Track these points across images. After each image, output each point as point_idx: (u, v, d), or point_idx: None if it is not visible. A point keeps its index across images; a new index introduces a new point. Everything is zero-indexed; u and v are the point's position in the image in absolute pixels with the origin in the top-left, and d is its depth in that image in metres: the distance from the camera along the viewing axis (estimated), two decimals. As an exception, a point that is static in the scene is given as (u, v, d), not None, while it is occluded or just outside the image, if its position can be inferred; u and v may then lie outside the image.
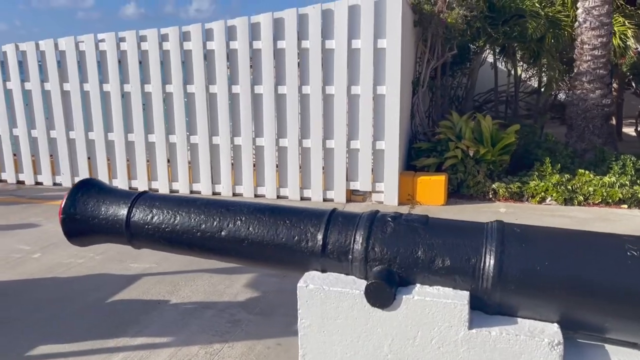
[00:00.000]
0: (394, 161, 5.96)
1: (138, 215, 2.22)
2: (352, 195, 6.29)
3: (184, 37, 6.25)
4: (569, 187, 5.94)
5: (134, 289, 3.80)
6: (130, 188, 6.72)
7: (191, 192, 6.56)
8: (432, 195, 6.02)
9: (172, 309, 3.49)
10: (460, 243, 1.88)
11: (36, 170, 7.06)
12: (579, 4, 7.27)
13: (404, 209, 5.71)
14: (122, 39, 6.41)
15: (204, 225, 2.15)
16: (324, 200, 6.19)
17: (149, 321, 3.31)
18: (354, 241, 1.97)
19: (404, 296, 1.84)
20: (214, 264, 4.09)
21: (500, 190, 6.07)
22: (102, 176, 6.79)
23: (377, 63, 5.80)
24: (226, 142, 6.35)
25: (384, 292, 1.84)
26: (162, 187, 6.62)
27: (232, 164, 6.48)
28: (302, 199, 6.25)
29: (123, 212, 2.23)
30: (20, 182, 7.13)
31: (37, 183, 7.07)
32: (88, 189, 2.34)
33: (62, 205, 2.29)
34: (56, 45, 6.58)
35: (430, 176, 6.12)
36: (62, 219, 2.31)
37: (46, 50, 6.61)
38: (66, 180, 6.92)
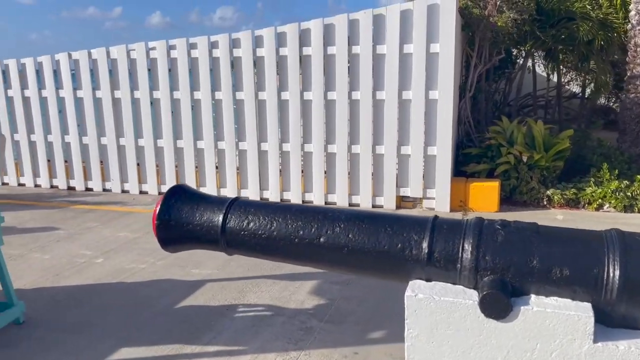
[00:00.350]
0: (446, 167, 5.88)
1: (234, 221, 2.21)
2: (402, 201, 6.23)
3: (233, 44, 6.30)
4: (629, 193, 5.76)
5: (200, 294, 3.81)
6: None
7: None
8: (485, 201, 5.91)
9: (241, 315, 3.48)
10: (580, 252, 1.82)
11: (87, 176, 7.19)
12: (631, 6, 7.08)
13: (457, 215, 5.62)
14: (172, 47, 6.49)
15: (301, 232, 2.13)
16: (373, 206, 6.15)
17: (221, 327, 3.30)
18: (463, 249, 1.92)
19: (521, 307, 1.79)
20: (276, 270, 4.09)
21: (555, 197, 5.92)
22: (151, 182, 6.89)
23: (430, 68, 5.74)
24: (275, 149, 6.36)
25: (500, 303, 1.79)
26: (210, 192, 6.66)
27: (280, 171, 6.48)
28: (350, 205, 6.22)
29: (218, 218, 2.22)
30: (71, 188, 7.27)
31: (87, 189, 7.20)
32: (181, 195, 2.34)
33: (157, 212, 2.29)
34: (108, 53, 6.70)
35: (483, 182, 6.02)
36: (156, 225, 2.31)
37: (98, 58, 6.74)
38: (116, 187, 7.03)
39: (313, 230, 2.12)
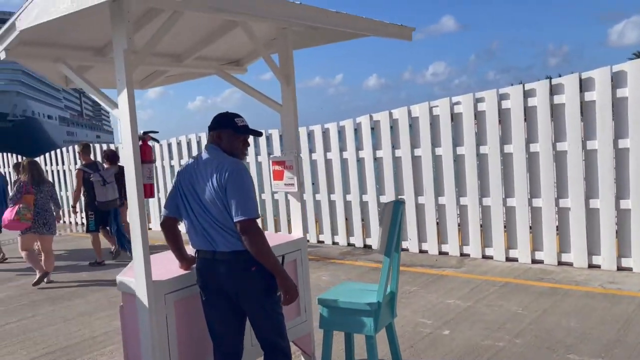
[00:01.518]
0: None
1: None
2: None
3: (555, 90, 5.66)
4: None
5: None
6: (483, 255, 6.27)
7: (533, 261, 5.87)
8: None
9: None
10: None
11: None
12: None
13: None
14: (480, 99, 6.14)
15: None
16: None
17: None
18: None
19: None
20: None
21: None
22: (453, 243, 6.50)
23: None
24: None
25: None
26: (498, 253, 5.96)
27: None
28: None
29: None
30: (367, 247, 7.32)
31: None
32: None
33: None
34: (409, 112, 6.69)
35: None
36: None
37: (399, 117, 6.78)
38: (413, 246, 6.83)
39: None
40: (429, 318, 4.47)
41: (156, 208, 9.97)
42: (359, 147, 7.27)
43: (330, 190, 7.59)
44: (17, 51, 2.87)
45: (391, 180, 6.96)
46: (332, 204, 7.61)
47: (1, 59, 2.87)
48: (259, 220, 2.59)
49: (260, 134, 2.68)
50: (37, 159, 12.44)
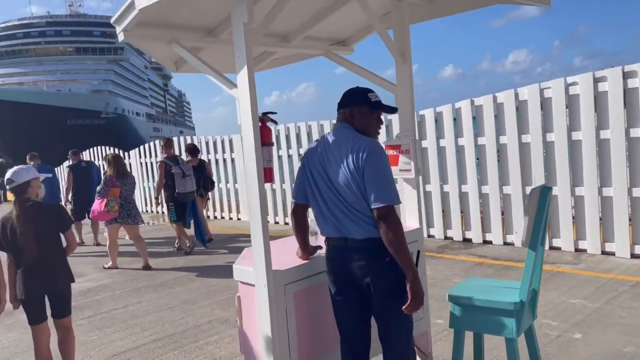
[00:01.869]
0: None
1: None
2: None
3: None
4: None
5: None
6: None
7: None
8: None
9: None
10: None
11: (484, 227, 6.72)
12: None
13: None
14: (601, 79, 5.52)
15: None
16: None
17: None
18: None
19: None
20: None
21: None
22: (567, 234, 5.94)
23: None
24: None
25: None
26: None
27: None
28: None
29: None
30: (466, 240, 6.90)
31: (485, 241, 6.71)
32: None
33: None
34: (516, 95, 6.18)
35: None
36: None
37: (505, 101, 6.28)
38: (520, 240, 6.31)
39: None
40: (554, 319, 4.03)
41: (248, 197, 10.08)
42: (457, 134, 6.83)
43: (426, 180, 7.21)
44: (133, 32, 2.80)
45: (495, 169, 6.48)
46: (427, 195, 7.23)
47: (119, 40, 2.81)
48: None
49: (395, 110, 2.40)
50: (131, 152, 13.04)
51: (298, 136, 8.98)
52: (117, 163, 6.88)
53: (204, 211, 9.36)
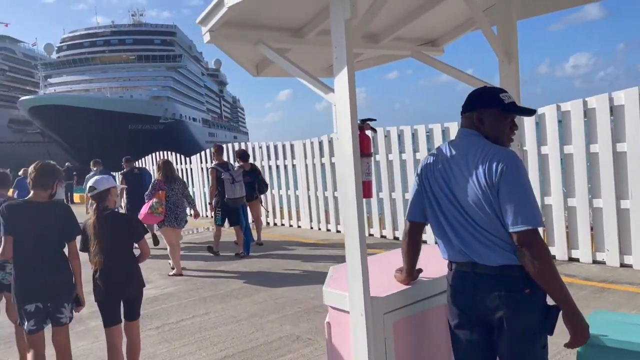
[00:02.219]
0: None
1: None
2: None
3: None
4: None
5: None
6: None
7: None
8: None
9: None
10: None
11: (570, 244, 6.18)
12: None
13: None
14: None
15: None
16: None
17: None
18: None
19: None
20: None
21: None
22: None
23: None
24: None
25: None
26: None
27: None
28: None
29: None
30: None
31: (571, 259, 6.16)
32: None
33: None
34: (610, 99, 5.64)
35: None
36: None
37: (597, 106, 5.75)
38: (612, 259, 5.75)
39: None
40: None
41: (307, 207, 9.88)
42: (540, 141, 6.33)
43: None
44: (219, 33, 2.60)
45: (583, 179, 5.94)
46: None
47: (205, 42, 2.61)
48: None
49: (533, 112, 2.05)
50: (192, 157, 13.16)
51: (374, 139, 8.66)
52: (165, 168, 7.06)
53: (262, 211, 9.54)
